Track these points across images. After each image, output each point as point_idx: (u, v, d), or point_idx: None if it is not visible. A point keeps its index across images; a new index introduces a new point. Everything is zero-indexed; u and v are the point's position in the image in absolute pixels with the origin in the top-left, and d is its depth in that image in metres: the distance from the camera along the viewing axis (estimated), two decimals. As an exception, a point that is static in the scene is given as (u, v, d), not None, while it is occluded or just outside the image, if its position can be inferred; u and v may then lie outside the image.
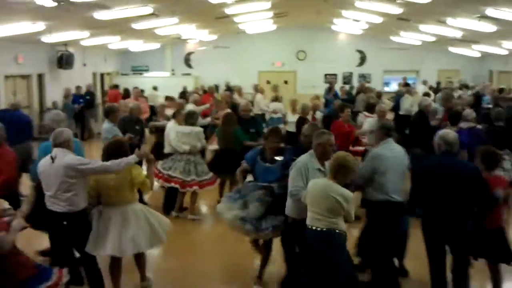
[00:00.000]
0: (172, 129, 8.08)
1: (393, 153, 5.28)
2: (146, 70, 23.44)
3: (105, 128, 7.62)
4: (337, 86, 17.92)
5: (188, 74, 23.18)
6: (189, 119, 7.99)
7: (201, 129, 8.06)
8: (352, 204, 4.40)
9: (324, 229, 4.33)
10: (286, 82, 23.51)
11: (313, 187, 4.46)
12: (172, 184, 7.76)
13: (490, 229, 4.93)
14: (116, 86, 18.05)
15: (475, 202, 4.82)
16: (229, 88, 17.58)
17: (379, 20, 16.89)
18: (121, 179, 4.97)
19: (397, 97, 15.03)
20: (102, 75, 21.04)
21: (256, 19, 18.81)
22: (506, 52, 18.39)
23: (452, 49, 21.88)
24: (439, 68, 23.29)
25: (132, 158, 4.91)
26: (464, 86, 17.50)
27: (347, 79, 23.43)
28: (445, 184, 4.72)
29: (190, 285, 5.83)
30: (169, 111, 9.89)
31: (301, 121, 9.31)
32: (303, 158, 4.85)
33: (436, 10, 13.11)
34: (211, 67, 23.10)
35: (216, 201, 7.74)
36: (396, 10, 13.94)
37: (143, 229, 5.04)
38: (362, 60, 24.07)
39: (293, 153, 5.35)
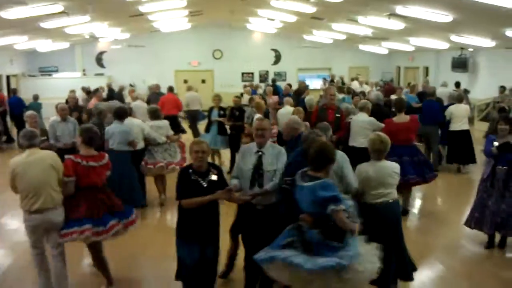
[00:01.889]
0: (138, 125, 8.47)
1: None
2: (55, 71, 22.43)
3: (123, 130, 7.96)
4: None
5: (101, 74, 22.45)
6: (156, 113, 8.86)
7: (167, 122, 9.00)
8: None
9: (391, 201, 5.04)
10: (203, 81, 23.41)
11: (373, 170, 5.01)
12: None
13: None
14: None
15: None
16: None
17: (293, 19, 17.23)
18: None
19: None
20: (8, 77, 19.84)
21: (171, 17, 18.53)
22: (412, 49, 19.43)
23: (362, 46, 22.80)
24: (350, 65, 24.20)
25: None
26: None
27: (263, 77, 23.73)
28: None
29: None
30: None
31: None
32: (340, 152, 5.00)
33: (348, 9, 13.57)
34: (125, 67, 22.52)
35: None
36: (310, 9, 14.29)
37: None
38: (277, 58, 24.47)
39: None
